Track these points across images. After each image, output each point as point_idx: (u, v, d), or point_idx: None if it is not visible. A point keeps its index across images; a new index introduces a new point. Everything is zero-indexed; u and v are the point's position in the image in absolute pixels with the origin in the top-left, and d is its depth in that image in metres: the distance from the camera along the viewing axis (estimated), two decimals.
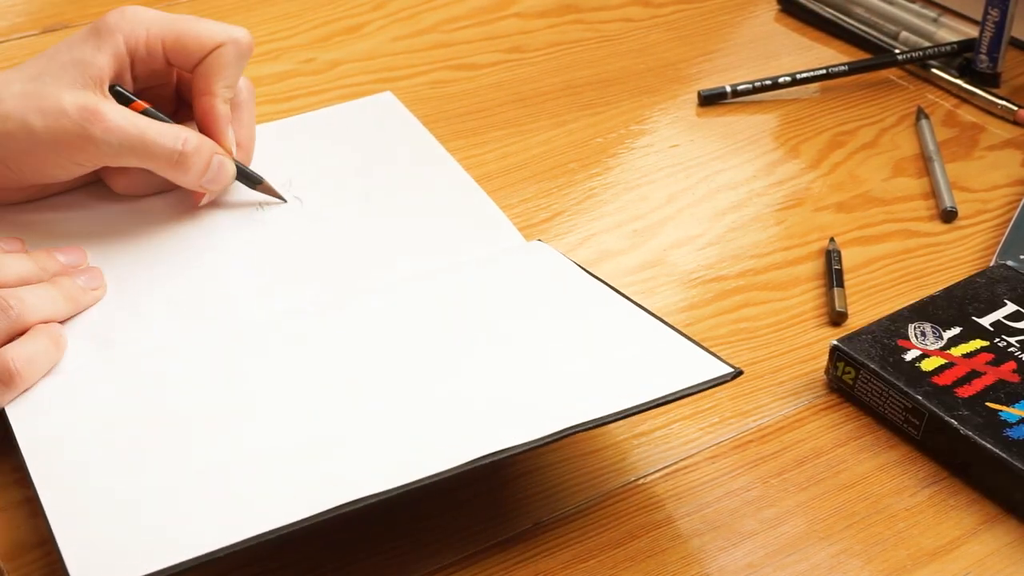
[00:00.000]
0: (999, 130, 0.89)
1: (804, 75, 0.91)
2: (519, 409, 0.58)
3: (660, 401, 0.57)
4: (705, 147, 0.86)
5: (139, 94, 0.70)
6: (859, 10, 0.99)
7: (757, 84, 0.90)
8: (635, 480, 0.62)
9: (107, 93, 0.67)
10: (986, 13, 0.91)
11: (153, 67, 0.70)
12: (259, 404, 0.60)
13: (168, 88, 0.74)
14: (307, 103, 0.87)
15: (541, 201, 0.80)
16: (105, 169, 0.71)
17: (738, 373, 0.59)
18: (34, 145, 0.65)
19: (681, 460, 0.64)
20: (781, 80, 0.91)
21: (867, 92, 0.93)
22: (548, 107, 0.89)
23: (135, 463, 0.56)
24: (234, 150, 0.71)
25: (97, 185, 0.74)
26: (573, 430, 0.56)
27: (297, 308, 0.67)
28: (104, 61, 0.67)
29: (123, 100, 0.69)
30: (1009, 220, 0.79)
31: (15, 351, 0.60)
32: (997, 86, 0.93)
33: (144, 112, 0.69)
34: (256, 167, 0.76)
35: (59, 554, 0.51)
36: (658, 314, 0.64)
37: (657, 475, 0.63)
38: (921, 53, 0.93)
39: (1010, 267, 0.73)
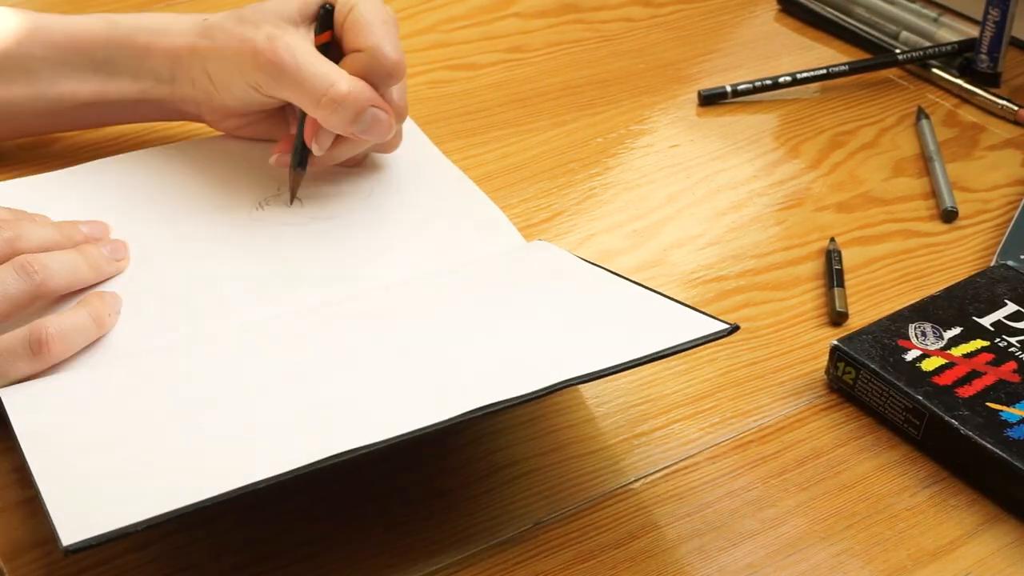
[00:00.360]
0: (999, 130, 0.89)
1: (804, 75, 0.91)
2: (517, 365, 0.58)
3: (660, 354, 0.57)
4: (705, 147, 0.86)
5: None
6: (859, 10, 0.99)
7: (757, 84, 0.90)
8: (635, 480, 0.62)
9: (305, 21, 0.72)
10: (986, 13, 0.91)
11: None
12: (253, 383, 0.60)
13: None
14: None
15: (541, 201, 0.80)
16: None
17: (734, 328, 0.58)
18: (224, 62, 0.72)
19: (681, 460, 0.64)
20: (781, 80, 0.91)
21: (867, 92, 0.93)
22: (548, 107, 0.89)
23: (135, 461, 0.56)
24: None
25: (95, 181, 0.74)
26: (576, 381, 0.55)
27: (296, 308, 0.67)
28: (295, 5, 0.72)
29: (324, 26, 0.72)
30: (1009, 220, 0.79)
31: (52, 322, 0.61)
32: (997, 86, 0.93)
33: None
34: (255, 168, 0.77)
35: (51, 525, 0.50)
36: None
37: (657, 475, 0.63)
38: (921, 53, 0.93)
39: (1010, 267, 0.73)
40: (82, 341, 0.63)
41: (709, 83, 0.92)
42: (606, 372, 0.56)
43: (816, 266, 0.76)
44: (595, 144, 0.85)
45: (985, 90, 0.91)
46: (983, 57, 0.92)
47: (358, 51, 0.71)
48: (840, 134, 0.88)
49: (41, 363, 0.61)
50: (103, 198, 0.73)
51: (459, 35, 0.96)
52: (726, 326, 0.59)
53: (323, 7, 0.72)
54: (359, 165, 0.77)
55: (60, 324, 0.62)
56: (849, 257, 0.76)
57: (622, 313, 0.63)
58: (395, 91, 0.73)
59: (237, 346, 0.64)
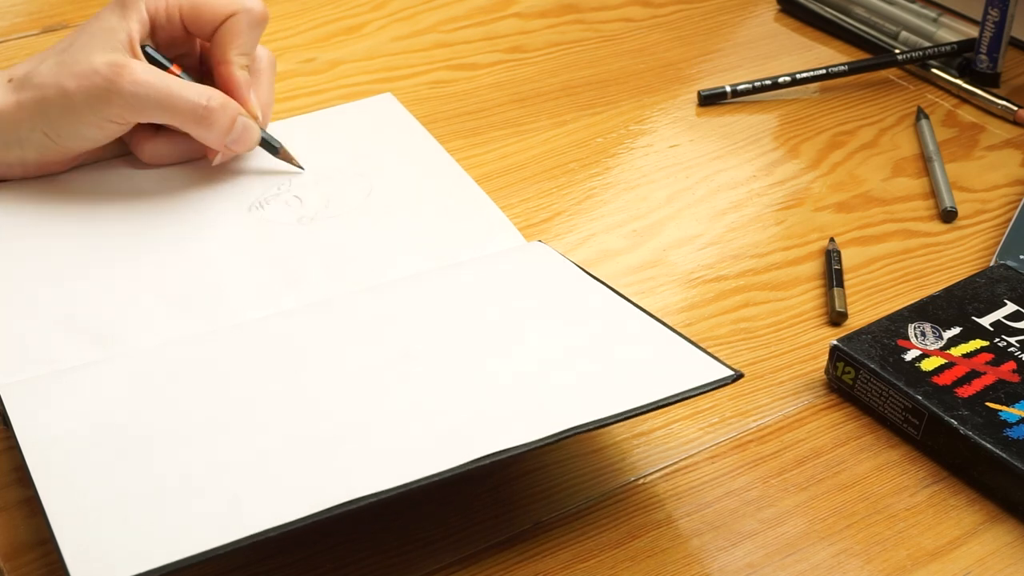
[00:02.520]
0: (999, 130, 0.89)
1: (804, 75, 0.91)
2: (520, 410, 0.58)
3: (661, 403, 0.57)
4: (705, 147, 0.86)
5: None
6: (859, 10, 0.99)
7: (757, 84, 0.90)
8: (635, 480, 0.62)
9: (138, 55, 0.71)
10: (986, 13, 0.91)
11: (173, 34, 0.74)
12: (259, 402, 0.60)
13: (192, 59, 0.77)
14: (307, 103, 0.87)
15: (541, 201, 0.80)
16: (133, 136, 0.74)
17: (738, 376, 0.59)
18: (70, 105, 0.69)
19: (681, 460, 0.64)
20: (781, 80, 0.91)
21: (867, 92, 0.93)
22: (548, 107, 0.89)
23: (135, 461, 0.56)
24: (259, 115, 0.74)
25: (94, 180, 0.74)
26: (574, 431, 0.56)
27: (296, 307, 0.67)
28: (130, 27, 0.71)
29: (156, 64, 0.72)
30: (1009, 220, 0.79)
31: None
32: (997, 86, 0.93)
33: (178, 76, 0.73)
34: (256, 167, 0.77)
35: (58, 553, 0.51)
36: (658, 315, 0.64)
37: (657, 475, 0.63)
38: (921, 53, 0.93)
39: (1010, 267, 0.73)
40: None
41: (709, 83, 0.92)
42: (610, 421, 0.57)
43: (816, 266, 0.76)
44: (595, 144, 0.85)
45: (984, 90, 0.91)
46: (982, 57, 0.92)
47: (226, 27, 0.73)
48: (840, 134, 0.88)
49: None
50: (104, 199, 0.74)
51: (459, 35, 0.96)
52: (731, 372, 0.59)
53: (144, 48, 0.72)
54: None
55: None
56: (849, 257, 0.76)
57: (626, 351, 0.62)
58: (264, 86, 0.75)
59: (241, 353, 0.64)
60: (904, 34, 0.97)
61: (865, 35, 0.98)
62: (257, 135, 0.74)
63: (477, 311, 0.66)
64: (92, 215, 0.72)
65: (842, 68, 0.92)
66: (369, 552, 0.58)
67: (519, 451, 0.55)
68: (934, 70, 0.93)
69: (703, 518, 0.61)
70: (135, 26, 0.71)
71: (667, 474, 0.63)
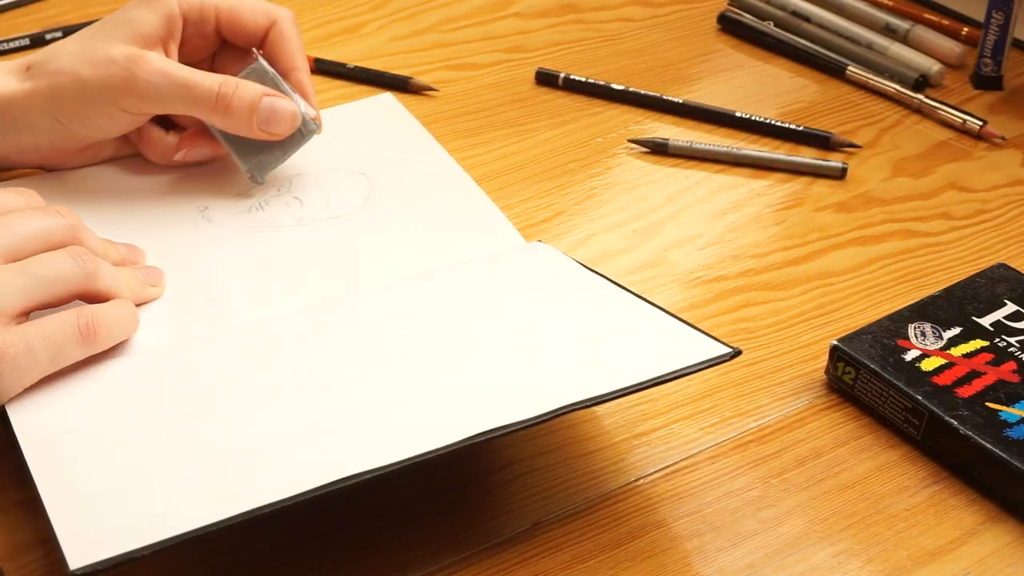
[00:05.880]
0: (999, 130, 0.89)
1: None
2: (518, 388, 0.58)
3: (660, 379, 0.57)
4: None
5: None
6: (810, 27, 0.95)
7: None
8: (635, 480, 0.62)
9: (159, 48, 0.71)
10: (989, 16, 0.91)
11: (204, 32, 0.74)
12: (258, 400, 0.60)
13: (206, 66, 0.76)
14: None
15: (541, 201, 0.80)
16: (143, 136, 0.74)
17: (736, 353, 0.59)
18: (84, 92, 0.69)
19: (681, 460, 0.64)
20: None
21: (867, 92, 0.93)
22: (548, 107, 0.89)
23: (134, 459, 0.56)
24: (312, 101, 0.74)
25: (94, 180, 0.74)
26: (572, 407, 0.56)
27: (296, 308, 0.67)
28: (154, 20, 0.71)
29: None
30: (1009, 220, 0.79)
31: (101, 311, 0.61)
32: (1001, 88, 0.92)
33: None
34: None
35: (58, 548, 0.51)
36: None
37: (657, 475, 0.63)
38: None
39: (1010, 267, 0.73)
40: (122, 334, 0.62)
41: (709, 83, 0.92)
42: (607, 398, 0.56)
43: (816, 266, 0.76)
44: (595, 144, 0.85)
45: (945, 104, 0.88)
46: (987, 61, 0.92)
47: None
48: (840, 134, 0.88)
49: (90, 349, 0.60)
50: (103, 199, 0.74)
51: (459, 35, 0.96)
52: (728, 350, 0.59)
53: None
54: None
55: (107, 313, 0.61)
56: (849, 257, 0.76)
57: (623, 333, 0.63)
58: (301, 75, 0.75)
59: (241, 352, 0.64)
60: (860, 50, 0.93)
61: (816, 55, 0.93)
62: (291, 112, 0.72)
63: (476, 310, 0.66)
64: (91, 216, 0.72)
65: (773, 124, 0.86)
66: (370, 552, 0.58)
67: (517, 428, 0.54)
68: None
69: (703, 518, 0.61)
70: (160, 20, 0.71)
71: (667, 474, 0.63)
